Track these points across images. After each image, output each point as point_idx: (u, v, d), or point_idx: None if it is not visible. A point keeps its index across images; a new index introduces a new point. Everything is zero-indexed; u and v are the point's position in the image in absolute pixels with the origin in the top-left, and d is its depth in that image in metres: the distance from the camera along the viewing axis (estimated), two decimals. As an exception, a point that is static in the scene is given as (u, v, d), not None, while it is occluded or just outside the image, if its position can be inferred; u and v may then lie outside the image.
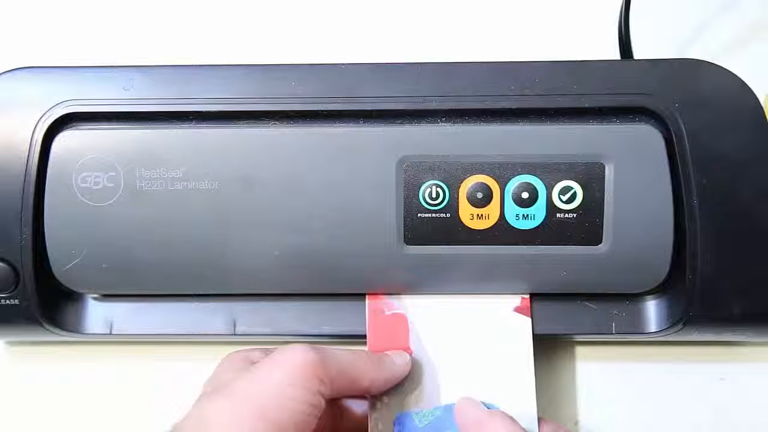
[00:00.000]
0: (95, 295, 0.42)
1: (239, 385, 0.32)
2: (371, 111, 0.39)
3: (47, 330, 0.41)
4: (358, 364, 0.35)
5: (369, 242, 0.39)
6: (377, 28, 0.51)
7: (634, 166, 0.38)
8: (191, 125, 0.39)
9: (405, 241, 0.39)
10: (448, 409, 0.38)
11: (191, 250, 0.39)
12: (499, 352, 0.39)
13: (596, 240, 0.38)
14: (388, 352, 0.38)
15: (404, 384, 0.38)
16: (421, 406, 0.38)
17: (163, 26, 0.52)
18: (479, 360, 0.39)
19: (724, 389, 0.42)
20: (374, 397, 0.38)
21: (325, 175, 0.38)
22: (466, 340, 0.39)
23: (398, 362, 0.38)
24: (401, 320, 0.40)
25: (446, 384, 0.39)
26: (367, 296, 0.40)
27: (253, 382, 0.32)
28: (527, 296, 0.40)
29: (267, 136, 0.39)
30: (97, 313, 0.42)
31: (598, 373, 0.43)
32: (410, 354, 0.39)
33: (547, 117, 0.39)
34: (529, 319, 0.40)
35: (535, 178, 0.38)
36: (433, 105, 0.39)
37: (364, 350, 0.37)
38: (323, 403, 0.33)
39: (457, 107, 0.38)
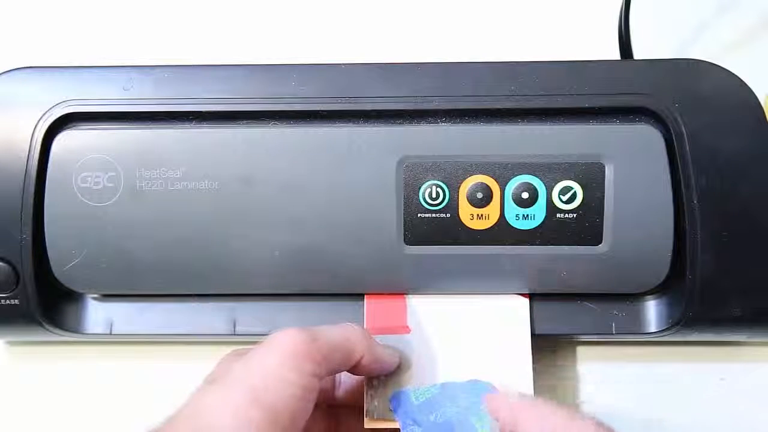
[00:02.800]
0: (95, 295, 0.42)
1: (232, 372, 0.32)
2: (371, 111, 0.39)
3: (47, 330, 0.41)
4: (349, 338, 0.35)
5: (369, 242, 0.39)
6: (377, 28, 0.51)
7: (634, 166, 0.38)
8: (191, 125, 0.39)
9: (405, 241, 0.39)
10: (445, 387, 0.38)
11: (191, 250, 0.39)
12: (497, 331, 0.39)
13: (596, 240, 0.38)
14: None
15: (401, 362, 0.38)
16: (418, 384, 0.38)
17: (163, 26, 0.52)
18: (477, 339, 0.39)
19: (724, 389, 0.42)
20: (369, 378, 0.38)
21: (325, 175, 0.38)
22: (464, 320, 0.40)
23: (389, 351, 0.37)
24: (399, 299, 0.40)
25: (444, 363, 0.39)
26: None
27: (246, 368, 0.32)
28: None
29: (267, 136, 0.39)
30: (97, 313, 0.42)
31: (598, 373, 0.43)
32: (408, 331, 0.39)
33: (547, 117, 0.39)
34: (527, 300, 0.40)
35: (535, 178, 0.38)
36: (433, 105, 0.39)
37: (352, 324, 0.36)
38: (317, 386, 0.32)
39: (457, 107, 0.38)
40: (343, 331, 0.35)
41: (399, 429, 0.36)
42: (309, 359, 0.32)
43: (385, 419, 0.37)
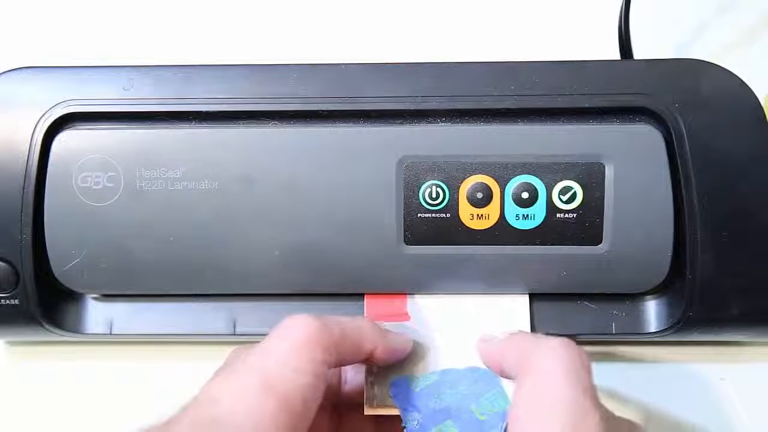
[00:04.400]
0: (95, 295, 0.42)
1: (246, 360, 0.32)
2: (371, 111, 0.39)
3: (47, 330, 0.41)
4: (361, 328, 0.35)
5: (369, 242, 0.39)
6: (377, 28, 0.51)
7: (634, 166, 0.38)
8: (191, 125, 0.39)
9: (405, 241, 0.39)
10: (445, 373, 0.38)
11: (191, 250, 0.39)
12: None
13: (596, 240, 0.38)
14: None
15: None
16: (418, 372, 0.38)
17: (163, 26, 0.52)
18: (477, 327, 0.39)
19: (724, 389, 0.42)
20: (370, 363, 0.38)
21: (325, 175, 0.38)
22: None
23: (402, 337, 0.38)
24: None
25: (444, 350, 0.39)
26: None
27: (258, 355, 0.32)
28: None
29: (267, 136, 0.39)
30: (97, 313, 0.42)
31: (598, 373, 0.43)
32: (408, 319, 0.39)
33: (547, 117, 0.39)
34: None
35: (535, 178, 0.38)
36: (433, 105, 0.39)
37: (365, 318, 0.36)
38: (327, 374, 0.32)
39: (457, 107, 0.39)
40: (354, 321, 0.35)
41: (398, 415, 0.37)
42: (320, 346, 0.32)
43: (385, 406, 0.37)
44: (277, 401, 0.30)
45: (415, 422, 0.36)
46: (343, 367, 0.39)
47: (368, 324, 0.35)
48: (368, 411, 0.37)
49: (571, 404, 0.30)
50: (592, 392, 0.31)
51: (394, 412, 0.37)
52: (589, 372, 0.32)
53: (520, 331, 0.38)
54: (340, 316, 0.34)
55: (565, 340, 0.33)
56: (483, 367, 0.38)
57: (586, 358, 0.33)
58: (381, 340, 0.35)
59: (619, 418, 0.35)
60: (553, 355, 0.32)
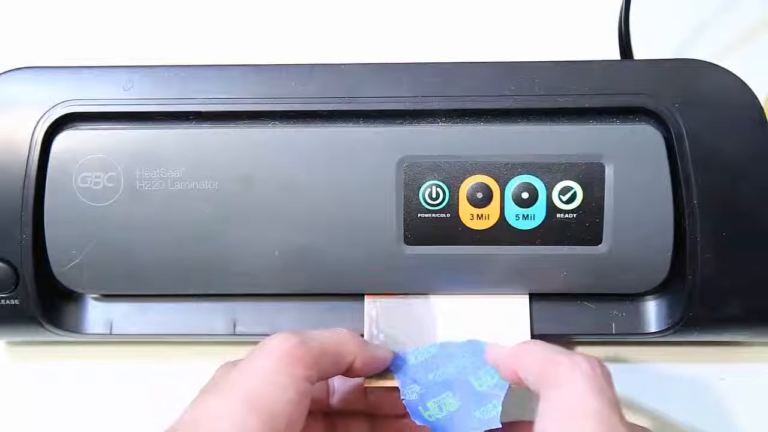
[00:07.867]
0: (95, 295, 0.42)
1: (228, 380, 0.32)
2: (371, 111, 0.39)
3: (47, 330, 0.41)
4: (340, 340, 0.35)
5: (369, 242, 0.39)
6: (377, 28, 0.51)
7: (634, 166, 0.38)
8: (191, 125, 0.39)
9: (405, 241, 0.39)
10: (444, 346, 0.38)
11: (191, 250, 0.39)
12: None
13: (596, 240, 0.38)
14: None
15: (400, 324, 0.39)
16: (417, 345, 0.39)
17: (163, 26, 0.52)
18: (477, 301, 0.40)
19: (724, 389, 0.42)
20: (369, 337, 0.39)
21: (325, 175, 0.38)
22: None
23: (382, 348, 0.38)
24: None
25: (443, 325, 0.39)
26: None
27: (240, 375, 0.32)
28: None
29: (267, 136, 0.39)
30: (97, 313, 0.42)
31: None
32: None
33: (547, 117, 0.39)
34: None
35: (535, 178, 0.38)
36: (433, 105, 0.39)
37: (343, 329, 0.37)
38: (310, 390, 0.32)
39: (457, 107, 0.39)
40: (333, 334, 0.35)
41: (398, 387, 0.37)
42: (300, 363, 0.32)
43: (384, 379, 0.38)
44: (260, 420, 0.30)
45: (414, 394, 0.37)
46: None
47: (347, 336, 0.35)
48: (368, 384, 0.38)
49: (600, 418, 0.30)
50: (618, 407, 0.31)
51: (393, 384, 0.37)
52: (613, 387, 0.32)
53: (534, 341, 0.37)
54: (319, 330, 0.35)
55: (588, 355, 0.33)
56: (482, 339, 0.38)
57: (609, 373, 0.32)
58: (360, 351, 0.35)
59: (638, 428, 0.35)
60: (580, 369, 0.32)
